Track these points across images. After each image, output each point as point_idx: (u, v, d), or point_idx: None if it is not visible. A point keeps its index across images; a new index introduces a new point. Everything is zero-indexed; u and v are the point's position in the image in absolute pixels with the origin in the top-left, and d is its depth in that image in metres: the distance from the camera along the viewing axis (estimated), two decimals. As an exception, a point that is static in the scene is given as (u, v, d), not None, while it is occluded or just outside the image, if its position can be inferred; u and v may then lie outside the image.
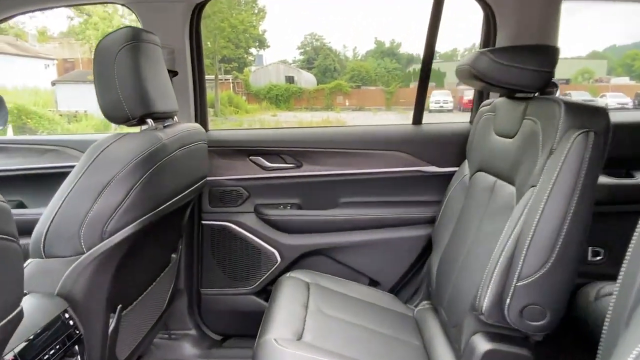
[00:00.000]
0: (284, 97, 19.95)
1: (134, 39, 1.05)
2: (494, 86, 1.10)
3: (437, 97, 16.81)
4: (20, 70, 15.66)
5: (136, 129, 1.15)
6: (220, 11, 14.86)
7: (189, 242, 1.65)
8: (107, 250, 0.94)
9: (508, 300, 0.93)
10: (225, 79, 16.65)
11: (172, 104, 1.22)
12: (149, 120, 1.11)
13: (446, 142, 1.63)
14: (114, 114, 1.05)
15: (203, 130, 1.39)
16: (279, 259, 1.65)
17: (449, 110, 15.27)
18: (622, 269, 0.49)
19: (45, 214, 0.94)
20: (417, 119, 1.68)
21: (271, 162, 1.66)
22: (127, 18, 13.69)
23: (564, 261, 0.89)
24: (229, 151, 1.65)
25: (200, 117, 1.66)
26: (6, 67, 15.49)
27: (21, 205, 1.70)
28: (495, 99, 1.31)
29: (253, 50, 19.00)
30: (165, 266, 1.40)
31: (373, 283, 1.67)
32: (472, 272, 1.10)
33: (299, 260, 1.66)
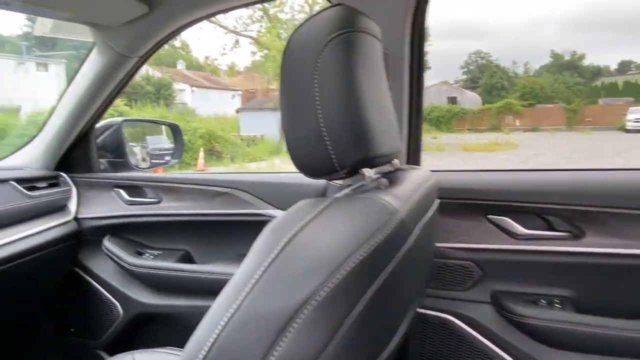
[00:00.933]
0: (445, 118, 19.03)
1: (349, 26, 0.57)
2: None
3: (636, 114, 14.26)
4: (213, 100, 18.23)
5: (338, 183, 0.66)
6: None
7: None
8: None
9: None
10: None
11: (395, 140, 0.71)
12: (367, 171, 0.60)
13: None
14: (310, 162, 0.58)
15: (434, 178, 0.85)
16: None
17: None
18: None
19: (184, 356, 0.50)
20: None
21: (527, 227, 1.02)
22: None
23: None
24: (456, 205, 1.08)
25: (414, 152, 1.14)
26: (203, 98, 18.22)
27: (187, 256, 1.41)
28: None
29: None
30: None
31: None
32: None
33: None
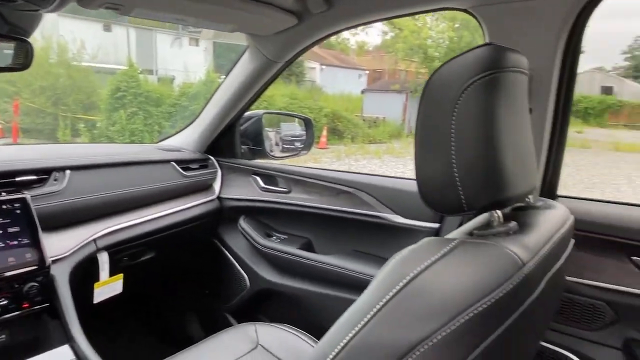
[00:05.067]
0: (595, 110, 16.70)
1: (495, 67, 0.56)
2: None
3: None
4: (340, 79, 18.54)
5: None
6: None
7: None
8: None
9: None
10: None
11: (531, 179, 0.68)
12: (497, 214, 0.60)
13: None
14: (439, 199, 0.60)
15: (570, 220, 0.79)
16: None
17: None
18: None
19: None
20: None
21: None
22: (434, 30, 14.04)
23: None
24: (594, 240, 0.99)
25: (551, 178, 1.06)
26: (331, 76, 18.63)
27: (309, 243, 1.54)
28: None
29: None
30: None
31: None
32: None
33: None
